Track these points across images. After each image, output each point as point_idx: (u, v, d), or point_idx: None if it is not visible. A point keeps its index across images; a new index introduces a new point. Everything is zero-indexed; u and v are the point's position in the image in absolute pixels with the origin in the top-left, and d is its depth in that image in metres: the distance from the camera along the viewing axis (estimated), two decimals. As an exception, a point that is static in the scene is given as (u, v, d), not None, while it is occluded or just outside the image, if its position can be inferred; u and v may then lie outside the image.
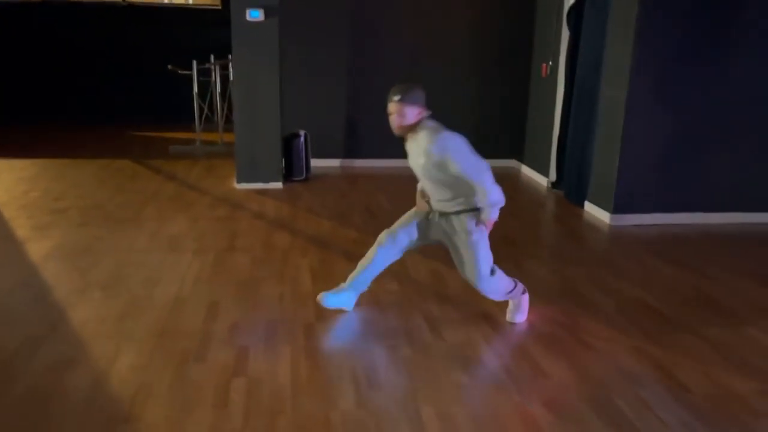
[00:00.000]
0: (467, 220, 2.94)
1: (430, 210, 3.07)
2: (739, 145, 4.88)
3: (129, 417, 2.31)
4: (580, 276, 3.86)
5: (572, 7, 5.54)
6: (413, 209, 3.18)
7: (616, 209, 4.85)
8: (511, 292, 3.11)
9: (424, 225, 3.09)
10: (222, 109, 7.48)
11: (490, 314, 3.25)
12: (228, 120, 7.60)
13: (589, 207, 5.19)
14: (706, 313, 3.39)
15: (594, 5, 5.11)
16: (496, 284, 3.03)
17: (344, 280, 3.25)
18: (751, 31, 4.66)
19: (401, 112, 2.84)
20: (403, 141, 2.99)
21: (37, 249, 3.98)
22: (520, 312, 3.19)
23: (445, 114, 6.61)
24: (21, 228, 4.36)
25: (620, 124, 4.73)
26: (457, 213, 2.94)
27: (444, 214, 3.01)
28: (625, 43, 4.64)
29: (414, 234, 3.10)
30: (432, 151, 2.82)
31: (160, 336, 2.92)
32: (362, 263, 3.18)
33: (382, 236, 3.14)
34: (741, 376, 2.73)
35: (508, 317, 3.19)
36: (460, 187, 2.89)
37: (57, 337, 2.88)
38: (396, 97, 2.84)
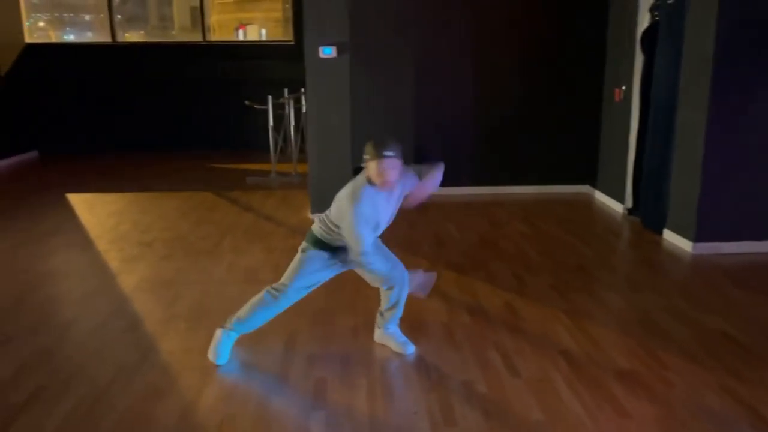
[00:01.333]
0: None
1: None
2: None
3: (215, 448, 2.41)
4: (659, 307, 3.75)
5: (646, 31, 5.44)
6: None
7: (698, 237, 4.69)
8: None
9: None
10: (295, 141, 7.73)
11: (567, 349, 3.20)
12: (301, 151, 7.85)
13: (668, 234, 5.03)
14: (799, 349, 3.22)
15: (668, 28, 5.01)
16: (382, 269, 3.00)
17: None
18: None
19: (398, 167, 2.81)
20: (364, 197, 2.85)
21: (126, 281, 4.22)
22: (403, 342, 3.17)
23: (515, 141, 6.62)
24: (113, 260, 4.63)
25: (700, 149, 4.59)
26: None
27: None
28: (703, 65, 4.52)
29: None
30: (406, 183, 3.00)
31: (241, 367, 3.03)
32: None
33: None
34: (840, 420, 2.58)
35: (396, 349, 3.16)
36: None
37: (147, 367, 3.05)
38: (392, 153, 2.77)
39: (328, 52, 5.42)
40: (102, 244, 5.04)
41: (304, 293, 3.11)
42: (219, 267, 4.49)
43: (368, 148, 2.83)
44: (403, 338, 3.21)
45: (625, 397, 2.76)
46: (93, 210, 6.15)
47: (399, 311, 3.19)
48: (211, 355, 3.06)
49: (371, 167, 2.81)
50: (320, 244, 3.01)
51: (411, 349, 3.17)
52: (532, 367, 3.03)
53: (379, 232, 3.02)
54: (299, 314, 3.63)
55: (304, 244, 3.08)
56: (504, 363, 3.06)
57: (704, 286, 4.10)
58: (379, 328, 3.26)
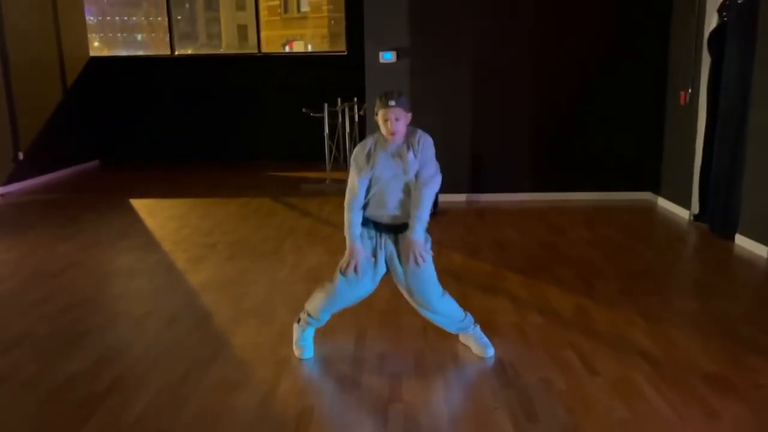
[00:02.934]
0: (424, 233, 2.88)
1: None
2: None
3: (296, 437, 2.41)
4: (737, 313, 3.60)
5: (713, 32, 5.31)
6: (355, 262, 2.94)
7: (773, 242, 4.50)
8: (462, 321, 3.05)
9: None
10: (350, 149, 7.77)
11: (646, 351, 3.09)
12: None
13: (741, 240, 4.85)
14: None
15: (738, 28, 4.87)
16: (450, 306, 3.01)
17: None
18: None
19: (401, 117, 2.77)
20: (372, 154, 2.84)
21: (194, 279, 4.29)
22: (484, 345, 3.07)
23: (574, 147, 6.51)
24: (179, 260, 4.72)
25: (775, 151, 4.43)
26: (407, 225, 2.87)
27: (394, 229, 2.91)
28: (778, 66, 4.37)
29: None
30: (420, 151, 2.82)
31: (314, 362, 3.03)
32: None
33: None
34: None
35: (477, 352, 3.07)
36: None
37: (221, 361, 3.07)
38: (394, 102, 2.75)
39: (388, 57, 5.46)
40: (167, 245, 5.14)
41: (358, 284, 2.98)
42: (283, 267, 4.52)
43: (376, 101, 2.86)
44: (485, 340, 3.11)
45: (713, 397, 2.64)
46: (154, 215, 6.29)
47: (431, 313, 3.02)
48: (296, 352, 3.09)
49: (378, 118, 2.83)
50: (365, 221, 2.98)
51: (491, 351, 3.07)
52: (611, 366, 2.94)
53: (377, 187, 2.86)
54: (366, 313, 3.62)
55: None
56: (581, 362, 2.98)
57: (785, 291, 3.93)
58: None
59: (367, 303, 3.78)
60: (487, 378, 2.87)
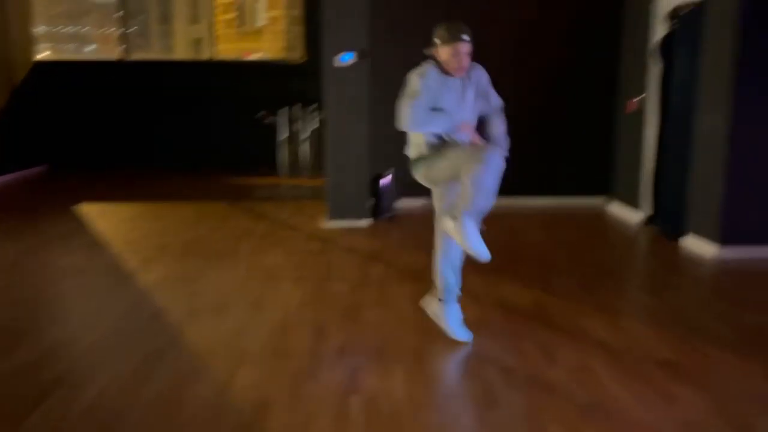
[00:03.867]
0: None
1: None
2: None
3: (254, 426, 2.32)
4: (690, 305, 3.69)
5: (662, 40, 5.48)
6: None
7: (723, 240, 4.64)
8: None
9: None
10: (308, 155, 7.72)
11: (603, 341, 3.12)
12: (313, 165, 7.83)
13: (690, 240, 4.99)
14: (841, 342, 3.15)
15: (687, 34, 5.05)
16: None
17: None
18: None
19: (470, 52, 2.89)
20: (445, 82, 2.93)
21: (145, 278, 4.14)
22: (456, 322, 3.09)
23: (528, 153, 6.61)
24: (129, 261, 4.56)
25: (722, 153, 4.57)
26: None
27: None
28: (724, 69, 4.53)
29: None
30: (482, 80, 3.05)
31: (272, 356, 2.95)
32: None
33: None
34: None
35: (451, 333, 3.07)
36: None
37: (175, 354, 2.96)
38: (467, 37, 2.86)
39: (346, 58, 5.44)
40: (117, 246, 4.97)
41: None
42: (240, 267, 4.42)
43: (440, 32, 2.85)
44: (458, 321, 3.10)
45: (668, 382, 2.68)
46: (104, 218, 6.08)
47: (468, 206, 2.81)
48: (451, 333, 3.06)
49: (443, 52, 2.84)
50: (420, 159, 3.00)
51: (465, 336, 3.06)
52: (570, 356, 2.95)
53: (452, 123, 2.89)
54: (325, 309, 3.57)
55: (413, 171, 3.08)
56: (541, 352, 2.98)
57: (733, 286, 4.05)
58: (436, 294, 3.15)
59: (326, 298, 3.75)
60: (448, 368, 2.84)
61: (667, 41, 5.39)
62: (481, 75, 3.05)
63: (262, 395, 2.56)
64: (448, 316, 3.11)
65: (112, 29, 9.82)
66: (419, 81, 2.87)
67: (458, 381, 2.70)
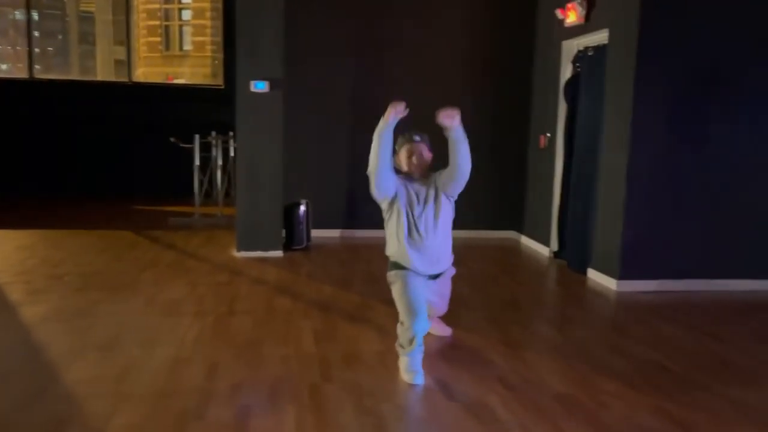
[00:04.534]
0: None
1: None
2: (746, 208, 4.89)
3: (125, 475, 2.15)
4: (590, 338, 3.77)
5: (569, 81, 5.71)
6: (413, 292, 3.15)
7: (622, 276, 4.80)
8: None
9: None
10: (222, 183, 7.53)
11: (503, 375, 3.13)
12: (228, 194, 7.65)
13: (594, 274, 5.14)
14: (726, 374, 3.28)
15: (590, 78, 5.27)
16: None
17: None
18: (751, 91, 4.77)
19: (425, 151, 3.27)
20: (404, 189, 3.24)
21: (32, 312, 3.86)
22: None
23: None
24: (16, 293, 4.25)
25: (622, 191, 4.76)
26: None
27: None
28: (623, 111, 4.75)
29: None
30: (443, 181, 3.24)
31: (157, 395, 2.77)
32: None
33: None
34: (769, 435, 2.60)
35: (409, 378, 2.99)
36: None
37: (50, 395, 2.74)
38: (419, 138, 3.27)
39: (260, 86, 5.37)
40: (5, 277, 4.63)
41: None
42: (138, 300, 4.20)
43: (398, 139, 3.24)
44: (416, 367, 3.03)
45: (562, 417, 2.69)
46: (-2, 245, 5.70)
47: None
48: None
49: (401, 156, 3.24)
50: (397, 265, 3.25)
51: (419, 379, 2.97)
52: (469, 391, 2.93)
53: (416, 210, 3.18)
54: (223, 344, 3.42)
55: (388, 275, 3.30)
56: (440, 388, 2.95)
57: (632, 319, 4.17)
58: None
59: (226, 333, 3.60)
60: (342, 406, 2.76)
61: (572, 83, 5.62)
62: (439, 177, 3.26)
63: (139, 440, 2.39)
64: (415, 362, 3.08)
65: (26, 48, 9.36)
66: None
67: (351, 419, 2.61)
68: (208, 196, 7.68)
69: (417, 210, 3.17)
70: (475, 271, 5.42)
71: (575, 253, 5.43)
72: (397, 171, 3.26)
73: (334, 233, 6.63)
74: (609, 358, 3.43)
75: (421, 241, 3.16)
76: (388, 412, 2.69)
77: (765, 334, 3.93)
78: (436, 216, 3.19)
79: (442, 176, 3.21)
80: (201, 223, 7.08)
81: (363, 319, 3.96)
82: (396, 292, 3.19)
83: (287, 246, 5.88)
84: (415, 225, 3.16)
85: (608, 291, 4.83)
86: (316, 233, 6.34)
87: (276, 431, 2.49)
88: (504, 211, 6.85)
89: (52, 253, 5.47)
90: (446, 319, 3.84)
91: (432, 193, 3.20)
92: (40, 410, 2.60)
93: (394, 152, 3.16)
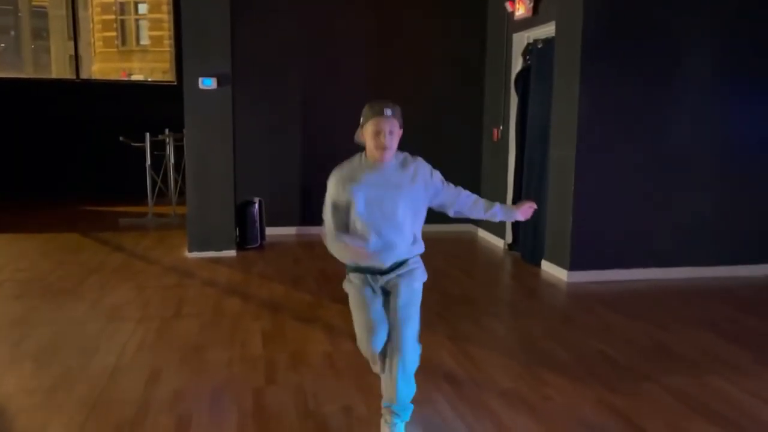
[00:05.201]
0: (419, 266, 2.62)
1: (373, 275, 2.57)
2: (688, 199, 4.98)
3: (51, 493, 2.08)
4: (539, 331, 3.79)
5: (519, 74, 5.73)
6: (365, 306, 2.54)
7: (573, 267, 4.85)
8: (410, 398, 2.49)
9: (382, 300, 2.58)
10: (175, 182, 7.37)
11: (450, 372, 3.12)
12: (181, 193, 7.49)
13: (546, 266, 5.18)
14: (667, 363, 3.33)
15: (539, 71, 5.30)
16: (417, 356, 2.53)
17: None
18: (692, 84, 4.85)
19: (396, 129, 2.36)
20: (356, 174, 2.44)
21: (-34, 322, 3.72)
22: None
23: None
24: (-50, 301, 4.09)
25: (571, 184, 4.80)
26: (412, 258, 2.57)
27: (399, 265, 2.55)
28: (570, 105, 4.78)
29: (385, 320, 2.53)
30: (432, 178, 2.49)
31: (93, 407, 2.69)
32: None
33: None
34: (706, 424, 2.64)
35: None
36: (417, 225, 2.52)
37: (-22, 411, 2.63)
38: (390, 112, 2.32)
39: (208, 83, 5.26)
40: (-59, 285, 4.46)
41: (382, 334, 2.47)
42: (80, 306, 4.08)
43: (364, 110, 2.38)
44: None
45: (506, 412, 2.69)
46: (-65, 252, 5.48)
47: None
48: None
49: (366, 132, 2.35)
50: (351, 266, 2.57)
51: None
52: (417, 391, 2.91)
53: (372, 218, 2.43)
54: (168, 350, 3.34)
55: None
56: (385, 387, 2.92)
57: (580, 311, 4.21)
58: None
59: (171, 338, 3.52)
60: (287, 409, 2.71)
61: (524, 75, 5.64)
62: (423, 169, 2.53)
63: (70, 454, 2.31)
64: None
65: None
66: (332, 181, 2.45)
67: (293, 423, 2.57)
68: (162, 195, 7.52)
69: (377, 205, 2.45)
70: (431, 264, 5.39)
71: (529, 246, 5.47)
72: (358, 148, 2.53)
73: (290, 231, 6.56)
74: (555, 350, 3.45)
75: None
76: (331, 414, 2.65)
77: (706, 322, 4.01)
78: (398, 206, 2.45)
79: (441, 194, 2.60)
80: (154, 223, 6.93)
81: (312, 319, 3.91)
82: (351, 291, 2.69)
83: (241, 245, 5.79)
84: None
85: (560, 282, 4.88)
86: (271, 231, 6.26)
87: (214, 439, 2.43)
88: (460, 204, 6.85)
89: (-6, 258, 5.28)
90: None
91: (407, 182, 2.46)
92: (-33, 427, 2.50)
93: (358, 125, 2.40)
